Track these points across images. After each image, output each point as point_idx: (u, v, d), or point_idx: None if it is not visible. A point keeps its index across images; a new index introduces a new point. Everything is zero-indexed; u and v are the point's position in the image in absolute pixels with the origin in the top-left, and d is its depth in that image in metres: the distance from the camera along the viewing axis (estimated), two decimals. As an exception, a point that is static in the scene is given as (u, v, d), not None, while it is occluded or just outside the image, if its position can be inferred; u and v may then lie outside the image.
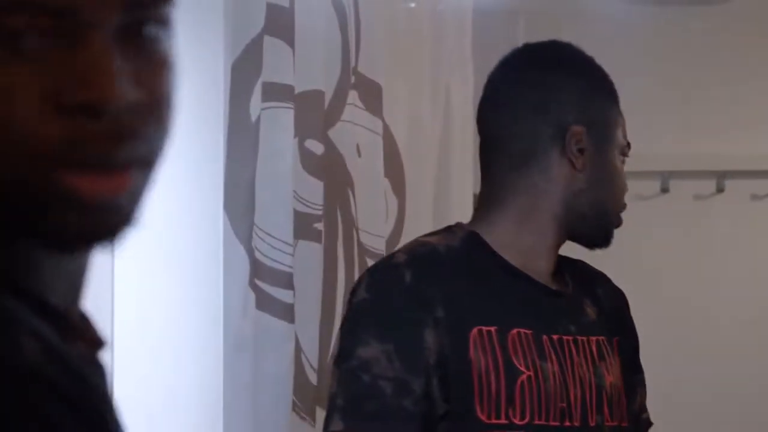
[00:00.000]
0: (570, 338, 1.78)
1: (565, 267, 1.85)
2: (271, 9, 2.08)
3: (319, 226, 2.14)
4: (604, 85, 1.90)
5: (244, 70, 2.10)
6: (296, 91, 2.13)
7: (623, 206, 1.87)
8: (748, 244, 3.95)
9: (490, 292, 1.75)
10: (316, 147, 2.15)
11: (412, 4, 2.99)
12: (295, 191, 2.12)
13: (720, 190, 3.96)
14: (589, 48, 3.95)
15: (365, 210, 2.28)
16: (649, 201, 4.00)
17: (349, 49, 2.29)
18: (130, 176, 0.74)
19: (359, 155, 2.29)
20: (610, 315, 1.88)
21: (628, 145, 1.90)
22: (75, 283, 0.81)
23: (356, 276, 2.22)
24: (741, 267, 3.94)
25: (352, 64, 2.32)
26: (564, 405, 1.74)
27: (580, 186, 1.79)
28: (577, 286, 1.85)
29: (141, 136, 0.74)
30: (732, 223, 3.96)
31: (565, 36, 3.99)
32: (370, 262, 2.31)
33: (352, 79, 2.31)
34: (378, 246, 2.34)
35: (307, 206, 2.13)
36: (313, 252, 2.14)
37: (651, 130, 3.98)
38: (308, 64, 2.17)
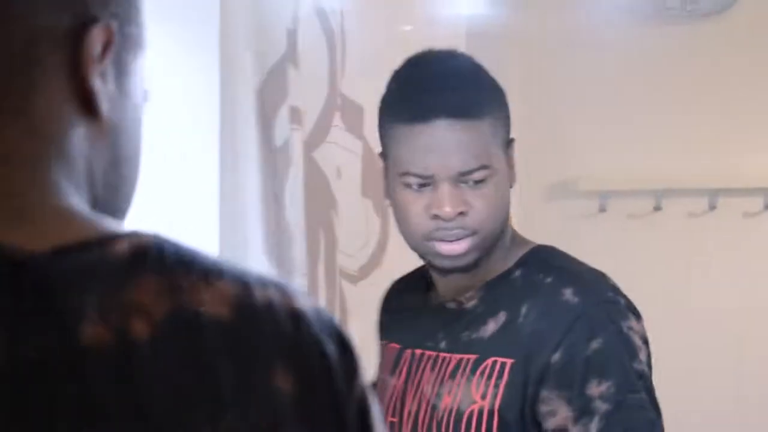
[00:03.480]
0: (433, 354, 1.78)
1: (499, 280, 1.78)
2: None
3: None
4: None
5: (270, 94, 2.13)
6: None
7: (419, 239, 1.76)
8: (741, 260, 3.97)
9: (395, 308, 1.92)
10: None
11: (407, 28, 3.03)
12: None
13: (712, 207, 3.99)
14: (585, 70, 4.01)
15: (342, 231, 2.31)
16: (642, 219, 4.03)
17: (335, 70, 2.32)
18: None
19: (339, 177, 2.33)
20: (521, 335, 1.72)
21: None
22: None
23: (337, 297, 2.26)
24: (732, 283, 3.97)
25: (336, 86, 2.35)
26: (395, 420, 1.78)
27: None
28: (491, 302, 1.77)
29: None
30: (724, 240, 3.99)
31: (560, 59, 4.05)
32: (345, 284, 2.34)
33: (338, 101, 2.34)
34: (353, 267, 2.36)
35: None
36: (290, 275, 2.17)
37: (644, 148, 4.02)
38: (303, 85, 2.21)
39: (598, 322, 1.68)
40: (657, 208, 4.00)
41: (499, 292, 1.76)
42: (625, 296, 1.75)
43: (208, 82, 2.12)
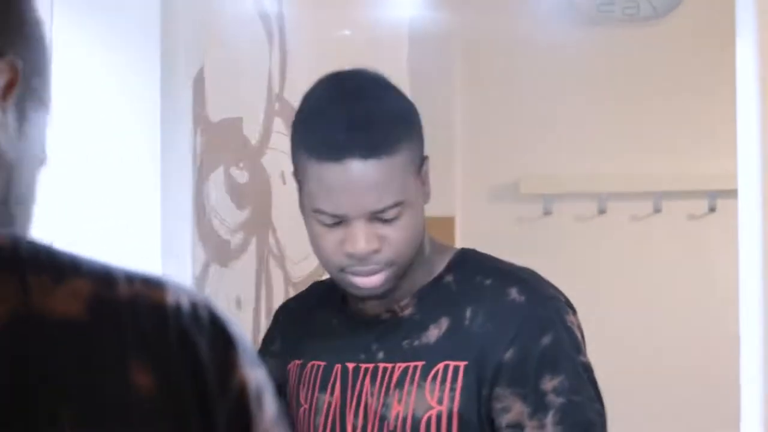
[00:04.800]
0: (370, 366, 1.74)
1: (432, 287, 1.76)
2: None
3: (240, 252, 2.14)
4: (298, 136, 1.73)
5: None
6: (216, 120, 2.13)
7: (333, 269, 1.71)
8: (686, 263, 3.98)
9: (308, 325, 1.83)
10: (240, 175, 2.15)
11: (348, 32, 3.00)
12: (222, 219, 2.12)
13: (657, 210, 4.00)
14: (528, 73, 4.01)
15: (289, 238, 2.28)
16: (587, 222, 4.03)
17: (272, 76, 2.29)
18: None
19: (284, 182, 2.30)
20: (471, 337, 1.71)
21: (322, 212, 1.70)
22: None
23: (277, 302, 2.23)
24: (677, 285, 3.98)
25: (276, 90, 2.32)
26: None
27: None
28: (428, 309, 1.74)
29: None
30: (669, 242, 4.00)
31: (503, 62, 4.05)
32: (292, 292, 2.31)
33: (276, 106, 2.30)
34: (300, 274, 2.34)
35: (230, 233, 2.13)
36: (225, 276, 2.13)
37: (588, 151, 4.02)
38: (229, 92, 2.18)
39: (546, 319, 1.71)
40: (601, 212, 4.00)
41: (434, 298, 1.74)
42: (561, 292, 1.77)
43: (149, 79, 2.10)
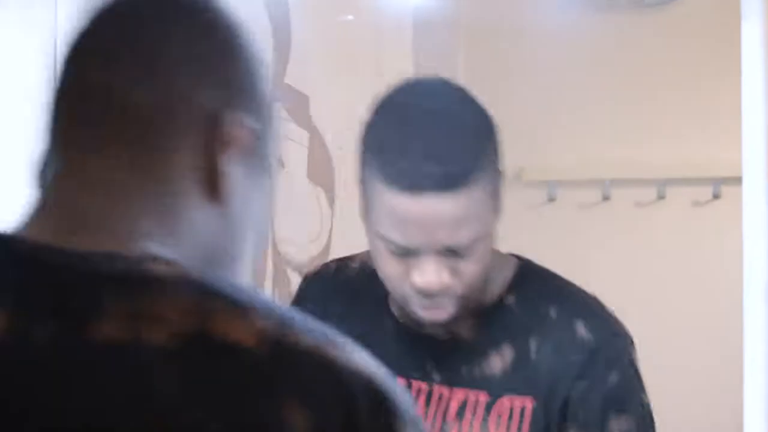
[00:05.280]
0: (423, 386, 1.64)
1: (494, 311, 1.65)
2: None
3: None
4: None
5: None
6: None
7: (396, 294, 1.60)
8: (690, 250, 3.97)
9: (349, 308, 1.73)
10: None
11: (350, 17, 3.00)
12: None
13: (661, 197, 3.98)
14: (532, 59, 3.99)
15: (286, 221, 2.27)
16: (591, 209, 4.02)
17: (275, 61, 2.29)
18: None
19: (283, 167, 2.29)
20: (537, 373, 1.63)
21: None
22: None
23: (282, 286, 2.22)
24: (682, 271, 3.97)
25: (279, 76, 2.32)
26: None
27: None
28: (489, 334, 1.64)
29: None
30: (673, 229, 3.99)
31: (507, 49, 4.04)
32: (293, 275, 2.30)
33: (282, 91, 2.30)
34: (300, 258, 2.33)
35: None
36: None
37: (592, 138, 4.01)
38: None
39: (613, 357, 1.65)
40: (606, 198, 3.99)
41: (495, 322, 1.64)
42: (623, 325, 1.72)
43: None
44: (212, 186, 0.93)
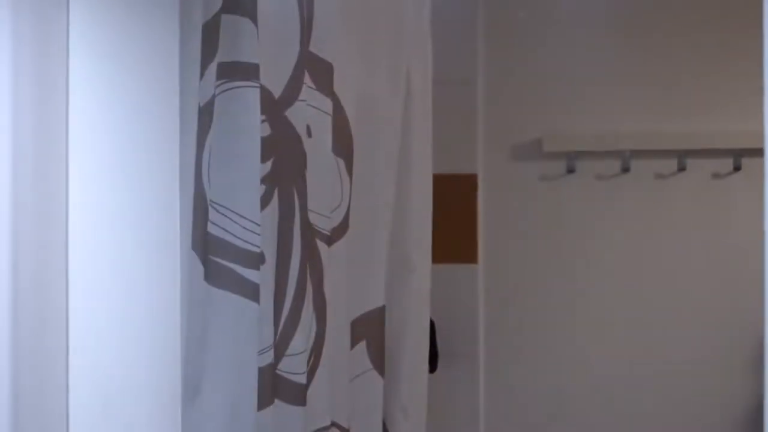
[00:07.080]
0: None
1: None
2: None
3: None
4: None
5: (197, 51, 2.08)
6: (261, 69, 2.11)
7: None
8: (710, 221, 3.96)
9: None
10: (263, 128, 2.12)
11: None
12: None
13: (681, 169, 3.96)
14: (554, 30, 3.97)
15: (314, 190, 2.26)
16: (610, 180, 4.00)
17: (303, 28, 2.27)
18: None
19: (309, 135, 2.27)
20: None
21: None
22: None
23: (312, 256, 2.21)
24: (700, 243, 3.96)
25: (305, 43, 2.30)
26: None
27: None
28: None
29: None
30: (693, 201, 3.97)
31: (529, 19, 4.01)
32: (320, 244, 2.28)
33: (306, 59, 2.28)
34: (326, 226, 2.31)
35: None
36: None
37: (612, 109, 3.99)
38: (269, 42, 2.16)
39: None
40: (625, 170, 3.97)
41: None
42: None
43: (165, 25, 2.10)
44: None
